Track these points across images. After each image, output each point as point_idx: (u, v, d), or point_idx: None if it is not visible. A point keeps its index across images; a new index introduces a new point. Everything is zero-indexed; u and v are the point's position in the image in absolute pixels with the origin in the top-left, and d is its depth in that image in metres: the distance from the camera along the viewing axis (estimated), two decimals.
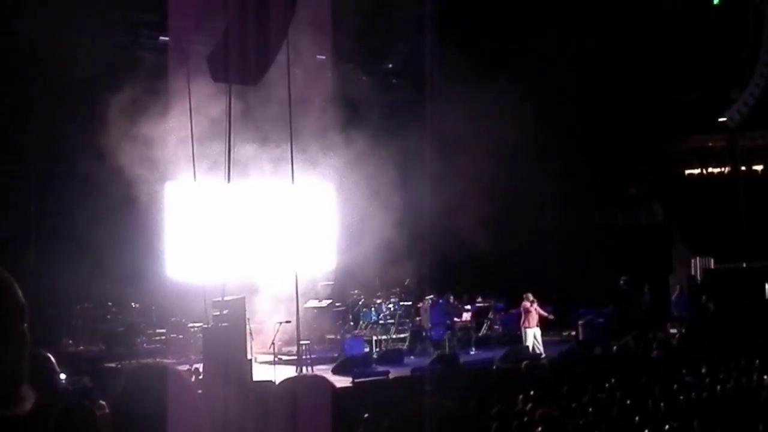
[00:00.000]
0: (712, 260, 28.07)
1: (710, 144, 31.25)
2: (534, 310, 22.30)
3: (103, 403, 8.99)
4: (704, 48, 25.45)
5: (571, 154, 27.28)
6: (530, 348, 21.98)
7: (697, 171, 31.40)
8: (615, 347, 22.24)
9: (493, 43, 24.38)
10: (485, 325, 24.34)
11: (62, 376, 4.32)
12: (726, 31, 25.92)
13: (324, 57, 23.99)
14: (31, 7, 18.86)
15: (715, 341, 21.16)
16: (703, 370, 16.79)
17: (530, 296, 22.41)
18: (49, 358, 3.72)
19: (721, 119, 28.20)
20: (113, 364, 19.23)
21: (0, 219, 21.61)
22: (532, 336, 22.21)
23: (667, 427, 11.74)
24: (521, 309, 22.57)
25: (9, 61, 19.63)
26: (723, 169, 31.00)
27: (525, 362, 18.94)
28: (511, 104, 23.08)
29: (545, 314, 22.47)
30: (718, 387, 14.74)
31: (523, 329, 22.42)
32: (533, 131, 25.24)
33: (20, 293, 2.01)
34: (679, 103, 29.35)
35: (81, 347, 21.01)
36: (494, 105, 23.18)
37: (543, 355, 21.57)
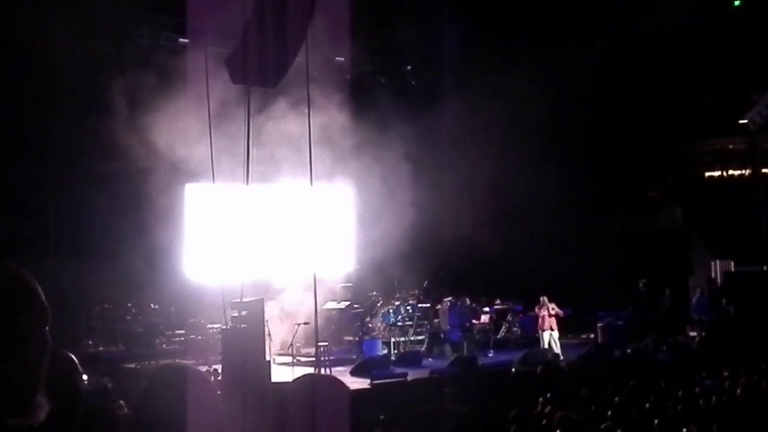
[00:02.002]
0: (732, 263, 27.91)
1: (731, 146, 31.06)
2: (546, 313, 22.31)
3: (122, 403, 9.03)
4: (725, 50, 25.34)
5: (591, 157, 27.19)
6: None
7: (717, 173, 31.22)
8: (633, 350, 22.17)
9: (512, 44, 24.34)
10: (503, 327, 24.31)
11: (84, 377, 4.31)
12: (747, 32, 25.81)
13: (342, 59, 24.03)
14: (50, 10, 18.96)
15: (735, 344, 21.04)
16: (724, 374, 16.70)
17: (544, 299, 22.42)
18: (73, 360, 3.73)
19: (741, 121, 28.05)
20: (133, 365, 19.32)
21: (20, 221, 21.76)
22: (548, 338, 22.25)
23: (685, 430, 11.69)
24: (536, 312, 22.66)
25: (28, 65, 19.76)
26: (743, 171, 30.82)
27: (540, 366, 18.90)
28: (530, 107, 23.06)
29: (556, 313, 22.43)
30: (738, 390, 14.65)
31: (539, 332, 22.54)
32: (552, 134, 25.18)
33: (44, 297, 2.00)
34: (700, 106, 29.20)
35: (101, 348, 21.11)
36: (512, 108, 23.16)
37: (561, 357, 21.54)
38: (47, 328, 2.00)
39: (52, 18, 18.99)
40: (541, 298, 22.53)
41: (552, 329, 22.32)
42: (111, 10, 20.44)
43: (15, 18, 18.99)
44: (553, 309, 22.41)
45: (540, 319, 22.50)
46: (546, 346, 22.17)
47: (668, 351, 22.00)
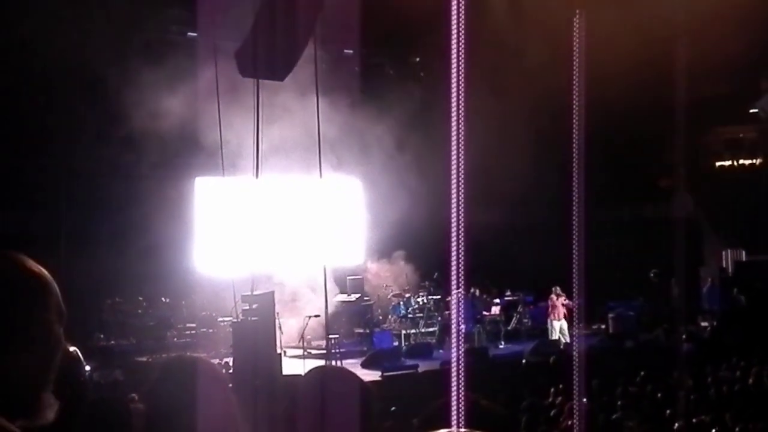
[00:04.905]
0: (744, 252, 27.82)
1: (741, 135, 30.94)
2: (560, 303, 22.42)
3: (135, 396, 9.06)
4: (734, 38, 25.19)
5: (601, 146, 27.06)
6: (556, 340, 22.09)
7: (728, 163, 31.10)
8: (645, 340, 22.14)
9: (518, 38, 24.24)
10: (514, 318, 24.27)
11: (87, 368, 4.30)
12: (756, 21, 25.66)
13: (351, 51, 24.00)
14: (59, 2, 18.97)
15: (746, 334, 20.99)
16: (736, 363, 16.67)
17: (557, 289, 22.49)
18: (76, 353, 3.73)
19: (751, 110, 27.92)
20: (144, 358, 19.36)
21: (30, 215, 21.81)
22: (558, 328, 22.36)
23: (696, 420, 11.68)
24: (549, 302, 22.72)
25: (37, 59, 19.77)
26: (754, 160, 30.70)
27: (552, 357, 18.89)
28: (537, 95, 22.97)
29: (570, 305, 22.50)
30: (750, 380, 14.63)
31: (549, 322, 22.63)
32: (564, 123, 25.07)
33: (61, 299, 2.01)
34: (710, 95, 29.05)
35: (112, 342, 21.12)
36: (520, 96, 23.10)
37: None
38: (62, 329, 2.00)
39: (61, 11, 19.00)
40: (554, 288, 22.54)
41: (564, 319, 22.41)
42: (120, 3, 20.45)
43: (24, 11, 19.01)
44: (565, 300, 22.45)
45: (551, 309, 22.57)
46: (555, 336, 22.25)
47: (684, 341, 21.94)
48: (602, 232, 27.38)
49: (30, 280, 1.96)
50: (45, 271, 1.99)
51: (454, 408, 2.48)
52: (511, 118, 23.25)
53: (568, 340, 22.04)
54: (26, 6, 19.08)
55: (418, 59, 26.97)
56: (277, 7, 13.69)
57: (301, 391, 2.77)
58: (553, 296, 22.59)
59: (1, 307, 1.90)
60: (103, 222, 21.62)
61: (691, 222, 29.41)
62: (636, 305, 24.84)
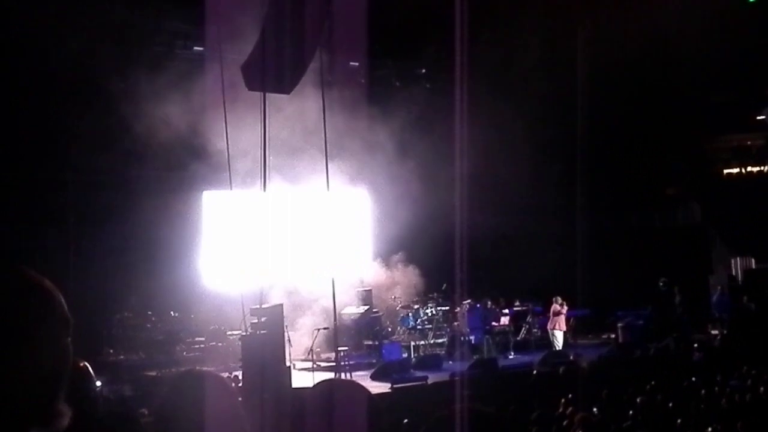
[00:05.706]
0: (753, 260, 27.74)
1: (748, 143, 30.89)
2: (564, 313, 22.55)
3: (145, 411, 9.06)
4: (741, 46, 25.20)
5: (609, 155, 27.07)
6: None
7: (735, 170, 31.04)
8: (655, 349, 22.08)
9: (525, 42, 24.28)
10: (523, 328, 24.22)
11: (97, 383, 4.32)
12: (762, 29, 25.68)
13: (357, 63, 24.05)
14: (68, 17, 19.06)
15: (757, 342, 20.91)
16: (747, 372, 16.60)
17: (559, 299, 22.60)
18: (86, 367, 3.74)
19: (759, 117, 27.86)
20: (153, 373, 19.35)
21: (40, 229, 21.85)
22: (560, 338, 22.50)
23: (710, 429, 11.63)
24: (551, 312, 22.76)
25: (44, 72, 19.85)
26: (762, 167, 30.64)
27: (562, 367, 18.86)
28: (545, 104, 22.99)
29: (566, 318, 22.79)
30: (762, 388, 14.57)
31: (551, 332, 22.66)
32: (569, 131, 25.12)
33: (66, 307, 2.02)
34: (717, 102, 29.03)
35: (121, 356, 21.14)
36: (528, 106, 23.09)
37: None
38: (69, 338, 2.01)
39: (69, 25, 19.10)
40: (557, 298, 22.61)
41: (563, 329, 22.64)
42: (129, 18, 20.54)
43: (31, 24, 19.09)
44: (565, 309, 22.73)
45: (554, 319, 22.65)
46: (559, 345, 22.34)
47: (696, 350, 21.89)
48: (610, 240, 27.36)
49: (33, 290, 1.97)
50: (48, 281, 2.00)
51: (458, 418, 2.48)
52: (518, 128, 23.27)
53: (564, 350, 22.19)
54: (32, 19, 19.17)
55: (423, 70, 27.01)
56: (284, 20, 13.73)
57: (310, 404, 2.77)
58: (556, 306, 22.64)
59: (6, 319, 1.91)
60: (111, 236, 21.65)
61: (700, 230, 29.37)
62: (645, 314, 24.75)
